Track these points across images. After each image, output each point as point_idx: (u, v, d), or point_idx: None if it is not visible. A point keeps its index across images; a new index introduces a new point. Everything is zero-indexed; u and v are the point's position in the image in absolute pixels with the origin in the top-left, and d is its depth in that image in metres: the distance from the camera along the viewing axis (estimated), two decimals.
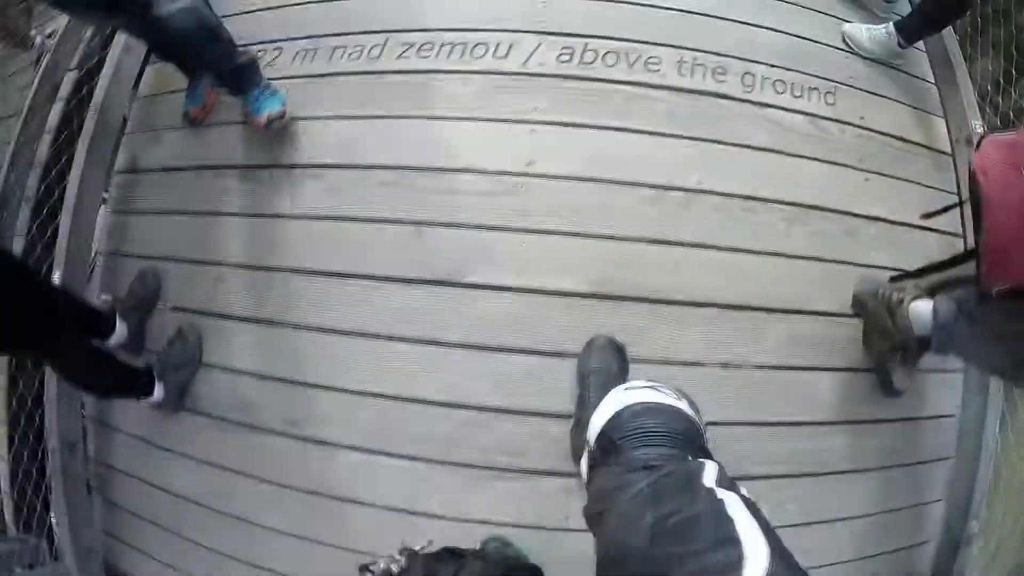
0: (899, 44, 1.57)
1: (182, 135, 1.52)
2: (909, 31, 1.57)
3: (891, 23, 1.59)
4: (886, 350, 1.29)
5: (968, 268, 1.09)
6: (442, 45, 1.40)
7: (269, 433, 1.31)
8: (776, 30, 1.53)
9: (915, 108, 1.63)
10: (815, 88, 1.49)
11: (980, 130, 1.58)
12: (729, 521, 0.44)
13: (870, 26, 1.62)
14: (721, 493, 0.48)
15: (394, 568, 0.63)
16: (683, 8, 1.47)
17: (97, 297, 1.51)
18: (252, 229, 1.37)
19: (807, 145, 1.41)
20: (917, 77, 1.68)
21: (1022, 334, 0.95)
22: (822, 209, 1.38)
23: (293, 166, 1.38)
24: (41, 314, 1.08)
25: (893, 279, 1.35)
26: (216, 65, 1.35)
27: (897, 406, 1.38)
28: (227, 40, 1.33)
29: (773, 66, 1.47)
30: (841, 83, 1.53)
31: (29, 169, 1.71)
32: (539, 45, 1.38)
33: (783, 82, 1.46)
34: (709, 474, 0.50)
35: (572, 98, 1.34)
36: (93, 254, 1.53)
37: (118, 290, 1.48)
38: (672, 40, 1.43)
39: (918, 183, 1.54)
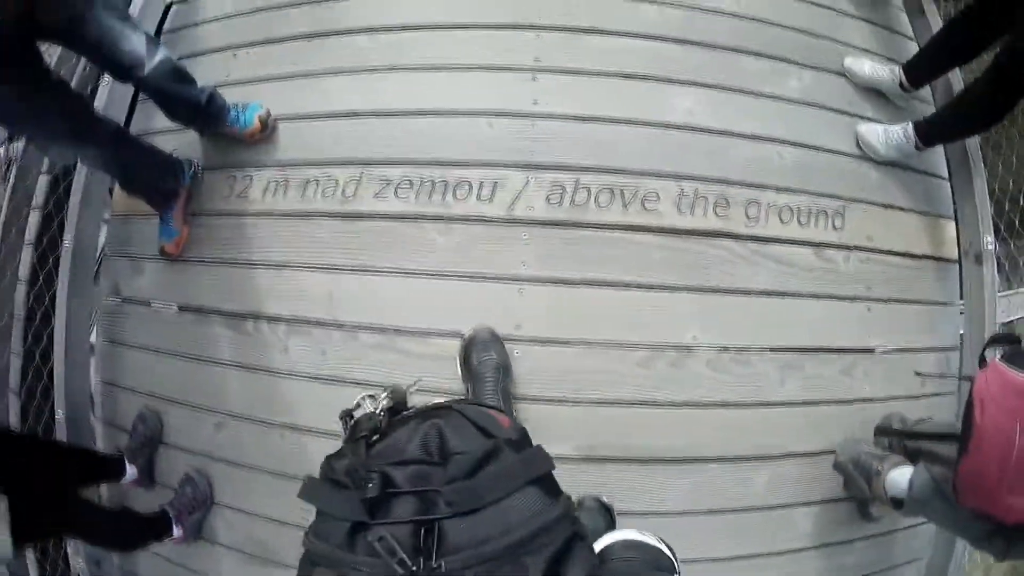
0: (916, 146, 1.40)
1: (161, 268, 1.40)
2: (929, 135, 1.38)
3: (910, 123, 1.40)
4: (864, 500, 1.29)
5: (951, 450, 1.05)
6: (422, 183, 1.25)
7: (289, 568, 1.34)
8: (786, 141, 1.35)
9: (926, 214, 1.48)
10: (823, 211, 1.34)
11: (991, 247, 1.45)
12: None
13: (887, 127, 1.43)
14: None
15: (380, 406, 0.52)
16: (688, 124, 1.30)
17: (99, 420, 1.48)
18: (246, 380, 1.30)
19: (810, 282, 1.30)
20: (931, 174, 1.52)
21: (988, 529, 0.95)
22: (820, 351, 1.31)
23: (277, 318, 1.29)
24: (52, 492, 1.07)
25: (878, 430, 1.31)
26: (194, 113, 1.27)
27: (873, 525, 1.40)
28: (194, 80, 1.25)
29: (780, 189, 1.32)
30: (851, 199, 1.38)
31: (16, 282, 1.62)
32: (527, 183, 1.23)
33: (790, 209, 1.31)
34: None
35: (562, 251, 1.21)
36: (92, 384, 1.48)
37: (120, 420, 1.46)
38: (674, 167, 1.27)
39: (921, 302, 1.44)
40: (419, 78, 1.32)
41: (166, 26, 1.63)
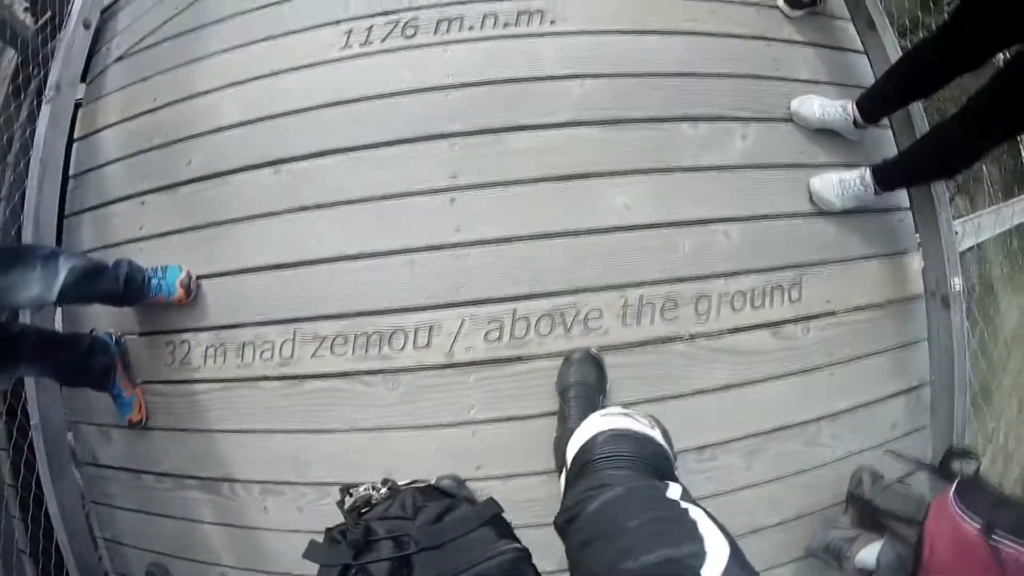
0: (875, 192, 1.23)
1: (130, 436, 1.33)
2: (889, 181, 1.21)
3: (867, 170, 1.23)
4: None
5: (913, 533, 1.00)
6: (356, 337, 1.13)
7: None
8: (733, 218, 1.20)
9: (888, 255, 1.34)
10: (778, 286, 1.21)
11: (958, 288, 1.31)
12: (692, 523, 0.47)
13: (841, 176, 1.25)
14: (684, 504, 0.50)
15: (375, 495, 0.62)
16: (625, 224, 1.15)
17: None
18: (236, 536, 1.26)
19: (770, 365, 1.20)
20: (892, 210, 1.36)
21: None
22: (784, 428, 1.22)
23: (250, 481, 1.22)
24: None
25: (849, 496, 1.24)
26: (116, 299, 1.19)
27: None
28: (104, 267, 1.15)
29: (730, 274, 1.18)
30: (808, 264, 1.24)
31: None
32: (462, 323, 1.11)
33: (742, 294, 1.18)
34: (673, 491, 0.53)
35: (511, 388, 1.11)
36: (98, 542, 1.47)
37: (133, 573, 1.44)
38: (614, 277, 1.14)
39: (886, 350, 1.33)
40: (331, 217, 1.16)
41: (71, 169, 1.47)
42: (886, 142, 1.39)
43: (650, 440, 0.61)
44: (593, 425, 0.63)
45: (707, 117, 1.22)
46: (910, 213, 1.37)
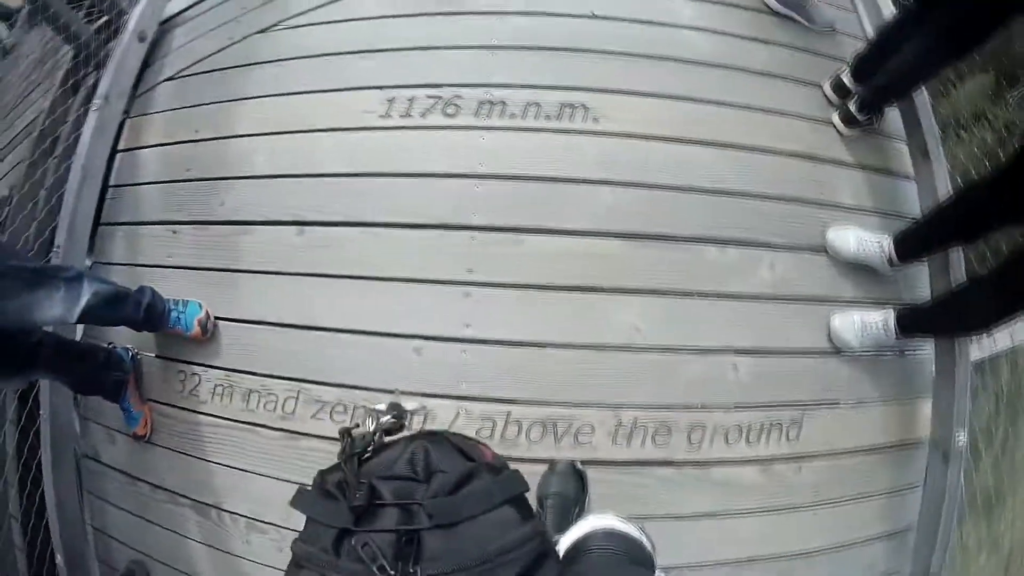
0: (896, 336, 1.17)
1: (132, 443, 1.37)
2: (912, 328, 1.16)
3: (891, 315, 1.18)
4: None
5: None
6: (355, 408, 1.14)
7: None
8: (745, 351, 1.16)
9: (899, 400, 1.29)
10: (777, 424, 1.18)
11: (961, 443, 1.25)
12: None
13: (864, 317, 1.20)
14: None
15: (378, 424, 0.53)
16: (631, 344, 1.11)
17: None
18: (215, 558, 1.31)
19: (754, 499, 1.17)
20: (911, 352, 1.29)
21: None
22: (759, 559, 1.20)
23: (237, 514, 1.27)
24: None
25: None
26: (135, 326, 1.22)
27: None
28: (127, 295, 1.18)
29: (731, 408, 1.15)
30: (814, 403, 1.21)
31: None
32: (456, 416, 1.11)
33: (739, 428, 1.15)
34: None
35: None
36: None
37: (114, 563, 1.47)
38: (613, 397, 1.12)
39: (878, 495, 1.29)
40: (347, 289, 1.17)
41: (112, 178, 1.51)
42: (920, 281, 1.33)
43: (641, 546, 0.61)
44: (588, 524, 0.63)
45: (738, 242, 1.17)
46: (931, 360, 1.32)
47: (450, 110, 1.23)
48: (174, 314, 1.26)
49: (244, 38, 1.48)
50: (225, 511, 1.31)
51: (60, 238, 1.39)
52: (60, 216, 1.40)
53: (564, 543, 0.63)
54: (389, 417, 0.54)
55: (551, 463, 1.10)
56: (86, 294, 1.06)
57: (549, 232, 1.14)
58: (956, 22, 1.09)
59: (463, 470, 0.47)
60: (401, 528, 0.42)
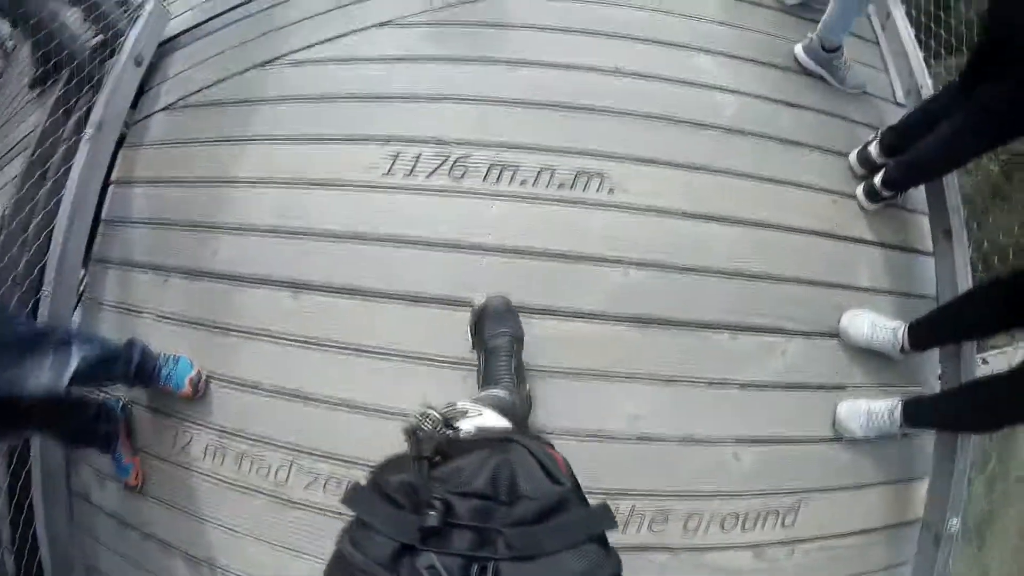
0: (900, 426, 1.14)
1: (123, 492, 1.33)
2: (918, 420, 1.13)
3: (898, 406, 1.14)
4: None
5: None
6: (349, 482, 1.08)
7: None
8: (748, 440, 1.12)
9: (896, 482, 1.26)
10: (774, 511, 1.15)
11: (954, 529, 1.23)
12: None
13: (871, 407, 1.16)
14: None
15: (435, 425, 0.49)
16: (630, 434, 1.05)
17: None
18: None
19: None
20: (912, 435, 1.24)
21: None
22: None
23: (227, 571, 1.22)
24: None
25: None
26: (126, 379, 1.18)
27: None
28: (116, 355, 1.14)
29: (729, 496, 1.12)
30: (812, 490, 1.17)
31: None
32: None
33: (735, 515, 1.12)
34: None
35: None
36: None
37: None
38: (607, 485, 1.06)
39: (866, 574, 1.28)
40: (341, 361, 1.11)
41: (104, 211, 1.43)
42: (929, 367, 1.29)
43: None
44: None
45: (751, 328, 1.12)
46: (931, 443, 1.29)
47: (458, 172, 1.15)
48: (165, 371, 1.20)
49: (243, 71, 1.37)
50: (217, 568, 1.27)
51: (48, 277, 1.32)
52: (48, 255, 1.33)
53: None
54: (439, 420, 0.48)
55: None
56: (75, 359, 1.01)
57: (554, 314, 1.08)
58: (1001, 105, 1.02)
59: (551, 498, 0.42)
60: (475, 555, 0.36)
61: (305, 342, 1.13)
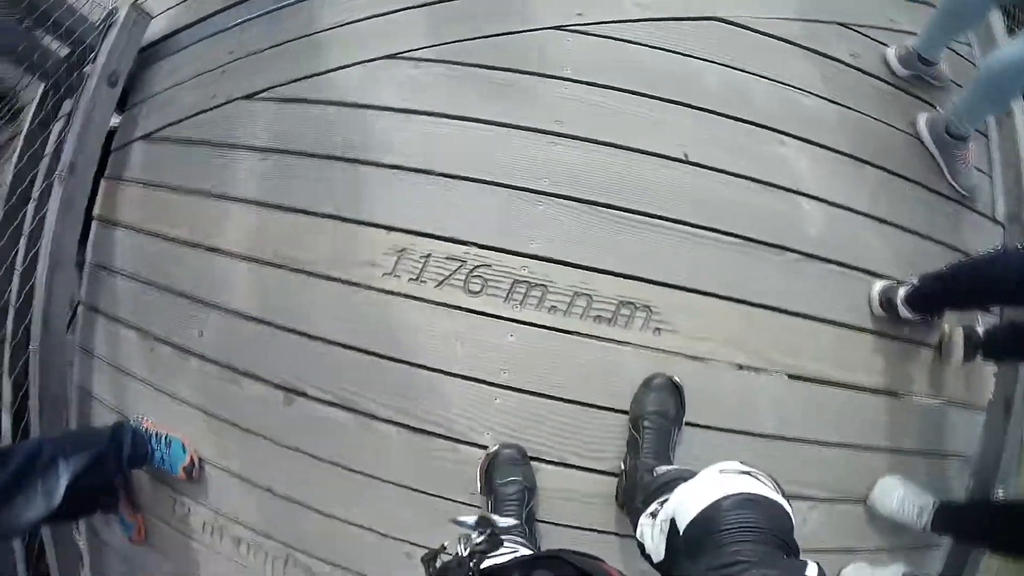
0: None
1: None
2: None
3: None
4: None
5: None
6: None
7: None
8: None
9: None
10: None
11: None
12: None
13: (875, 573, 1.03)
14: None
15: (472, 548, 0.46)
16: None
17: None
18: None
19: None
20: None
21: None
22: None
23: None
24: None
25: None
26: (120, 470, 1.13)
27: None
28: (105, 455, 1.08)
29: None
30: None
31: None
32: None
33: None
34: (811, 570, 0.44)
35: None
36: None
37: None
38: None
39: None
40: (340, 477, 0.99)
41: (89, 251, 1.25)
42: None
43: (776, 505, 0.50)
44: (714, 485, 0.52)
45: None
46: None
47: (474, 284, 0.93)
48: (158, 454, 1.12)
49: (228, 101, 1.09)
50: None
51: (35, 331, 1.19)
52: (32, 310, 1.18)
53: (685, 502, 0.52)
54: (481, 537, 0.44)
55: (647, 379, 0.90)
56: (63, 477, 0.96)
57: (568, 466, 0.92)
58: None
59: None
60: None
61: (300, 452, 1.01)
